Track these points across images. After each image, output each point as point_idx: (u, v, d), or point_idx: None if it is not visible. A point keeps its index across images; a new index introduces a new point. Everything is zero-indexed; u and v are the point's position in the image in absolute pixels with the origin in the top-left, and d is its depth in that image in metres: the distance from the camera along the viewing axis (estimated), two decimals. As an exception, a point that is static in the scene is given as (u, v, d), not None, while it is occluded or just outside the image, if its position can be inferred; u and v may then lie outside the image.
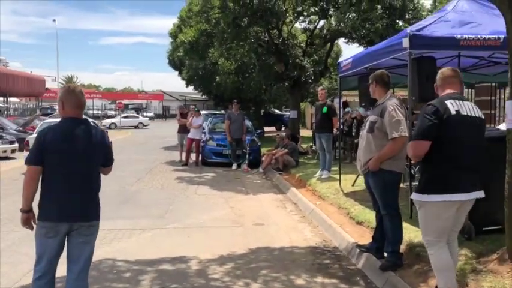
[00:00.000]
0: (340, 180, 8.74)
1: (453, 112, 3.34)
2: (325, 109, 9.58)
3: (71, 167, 3.08)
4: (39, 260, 3.15)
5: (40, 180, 3.11)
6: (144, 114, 59.94)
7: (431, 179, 3.39)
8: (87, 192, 3.18)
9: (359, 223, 6.39)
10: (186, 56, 18.03)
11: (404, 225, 4.89)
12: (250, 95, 21.47)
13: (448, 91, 3.49)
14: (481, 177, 3.42)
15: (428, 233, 3.46)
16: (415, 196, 3.48)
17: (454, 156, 3.34)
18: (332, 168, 9.76)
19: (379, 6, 12.18)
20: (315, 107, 10.15)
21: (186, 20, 17.73)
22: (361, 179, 8.56)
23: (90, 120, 3.39)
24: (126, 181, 10.32)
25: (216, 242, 5.90)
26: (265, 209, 8.10)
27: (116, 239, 5.95)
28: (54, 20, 45.82)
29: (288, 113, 32.41)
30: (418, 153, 3.45)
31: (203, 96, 30.42)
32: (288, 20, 14.32)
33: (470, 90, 12.78)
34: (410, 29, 5.85)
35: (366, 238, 5.63)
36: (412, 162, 5.63)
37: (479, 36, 5.75)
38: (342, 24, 12.45)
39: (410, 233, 5.10)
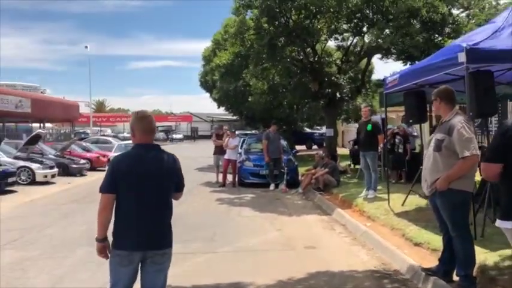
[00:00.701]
0: (388, 199, 8.50)
1: None
2: (369, 127, 9.41)
3: (144, 193, 3.04)
4: (114, 287, 3.11)
5: (114, 208, 3.07)
6: (174, 136, 60.77)
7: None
8: (161, 219, 3.13)
9: (417, 244, 6.15)
10: (222, 79, 18.19)
11: (473, 247, 4.65)
12: (281, 115, 21.45)
13: None
14: None
15: None
16: (499, 224, 3.21)
17: None
18: (378, 188, 9.53)
19: (416, 21, 12.01)
20: (359, 125, 9.98)
21: (221, 43, 17.93)
22: (410, 198, 8.36)
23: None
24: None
25: (270, 267, 5.75)
26: (313, 231, 7.92)
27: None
28: (86, 47, 46.88)
29: (318, 131, 32.47)
30: (489, 175, 3.26)
31: (234, 117, 30.56)
32: (322, 38, 14.28)
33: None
34: (466, 43, 5.67)
35: (428, 260, 5.40)
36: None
37: (541, 47, 5.52)
38: (379, 40, 12.29)
39: (480, 255, 4.82)
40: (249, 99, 18.33)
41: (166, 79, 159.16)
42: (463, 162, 4.15)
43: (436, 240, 5.81)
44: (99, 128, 54.59)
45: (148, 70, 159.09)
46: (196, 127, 64.66)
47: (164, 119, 67.84)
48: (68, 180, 16.23)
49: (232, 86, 18.71)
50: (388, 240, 6.53)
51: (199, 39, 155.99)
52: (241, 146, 15.34)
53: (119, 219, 3.07)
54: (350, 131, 26.53)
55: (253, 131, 29.11)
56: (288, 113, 20.81)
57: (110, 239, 3.13)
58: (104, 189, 3.05)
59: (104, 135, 39.26)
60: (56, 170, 16.47)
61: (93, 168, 20.20)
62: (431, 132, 9.66)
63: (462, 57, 5.53)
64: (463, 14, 16.57)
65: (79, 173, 18.28)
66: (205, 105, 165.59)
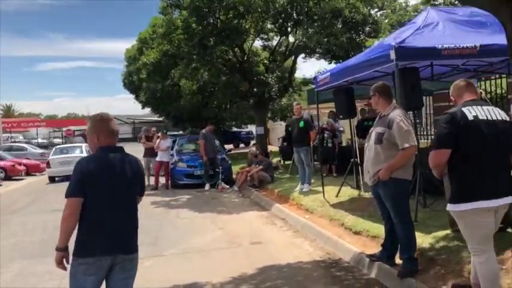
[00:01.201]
0: (323, 192, 8.86)
1: (470, 118, 3.40)
2: (302, 123, 9.73)
3: (114, 197, 2.96)
4: None
5: (79, 214, 2.92)
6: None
7: (461, 188, 3.43)
8: (130, 223, 3.07)
9: (357, 233, 6.47)
10: (149, 78, 17.79)
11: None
12: (210, 114, 21.43)
13: (466, 98, 3.61)
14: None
15: (473, 242, 3.48)
16: (450, 207, 3.49)
17: (478, 162, 3.39)
18: (311, 181, 9.89)
19: (339, 21, 12.59)
20: (291, 122, 10.28)
21: (148, 42, 17.53)
22: (343, 189, 8.79)
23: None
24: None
25: (221, 265, 5.79)
26: (255, 226, 8.05)
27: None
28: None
29: (245, 130, 32.84)
30: (438, 162, 3.50)
31: (159, 118, 29.96)
32: (250, 38, 14.50)
33: (429, 97, 13.46)
34: (394, 42, 6.09)
35: (369, 247, 5.73)
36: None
37: (457, 45, 6.06)
38: (304, 39, 12.72)
39: (418, 238, 5.21)
40: (180, 101, 18.11)
41: (80, 80, 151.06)
42: (403, 153, 4.46)
43: (374, 228, 6.20)
44: (9, 135, 50.84)
45: (59, 71, 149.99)
46: (117, 130, 62.35)
47: (81, 123, 64.44)
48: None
49: (159, 85, 18.37)
50: (329, 231, 6.82)
51: (115, 39, 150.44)
52: (172, 147, 15.14)
53: (86, 224, 2.93)
54: (276, 128, 27.12)
55: (180, 132, 28.76)
56: (216, 113, 20.83)
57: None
58: (71, 193, 2.90)
59: (15, 141, 36.69)
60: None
61: (8, 178, 18.92)
62: (357, 127, 10.20)
63: (393, 54, 5.93)
64: (379, 13, 17.64)
65: (-8, 183, 17.03)
66: (125, 106, 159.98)
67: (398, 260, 4.85)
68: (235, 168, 14.21)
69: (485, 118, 3.46)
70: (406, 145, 4.44)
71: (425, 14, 7.24)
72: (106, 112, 3.29)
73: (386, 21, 18.10)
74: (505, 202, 3.42)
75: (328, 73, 8.29)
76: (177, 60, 14.14)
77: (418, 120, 14.51)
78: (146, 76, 17.47)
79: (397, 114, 4.56)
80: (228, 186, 12.70)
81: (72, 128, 58.99)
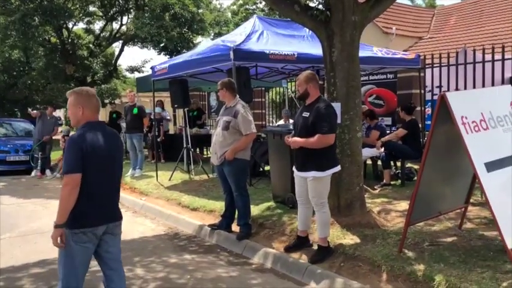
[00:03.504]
0: (157, 176, 9.45)
1: None
2: (135, 110, 10.07)
3: (109, 169, 3.12)
4: (72, 275, 3.04)
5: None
6: None
7: (328, 158, 4.53)
8: (117, 193, 3.29)
9: (194, 209, 7.27)
10: None
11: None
12: (18, 96, 19.57)
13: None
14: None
15: (324, 197, 4.59)
16: (317, 174, 4.49)
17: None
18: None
19: (169, 15, 13.17)
20: (125, 108, 10.51)
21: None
22: (176, 174, 9.52)
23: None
24: None
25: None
26: (92, 209, 8.18)
27: None
28: None
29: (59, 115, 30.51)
30: (329, 144, 4.46)
31: None
32: (74, 20, 13.96)
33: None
34: (233, 45, 7.08)
35: (207, 220, 6.61)
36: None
37: (281, 52, 7.36)
38: (134, 28, 12.93)
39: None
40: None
41: None
42: (245, 138, 5.45)
43: (210, 204, 7.12)
44: None
45: None
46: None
47: None
48: None
49: None
50: (168, 209, 7.49)
51: None
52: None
53: (84, 198, 2.97)
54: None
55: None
56: (26, 95, 19.14)
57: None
58: (72, 169, 2.93)
59: None
60: None
61: None
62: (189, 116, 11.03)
63: (231, 55, 6.91)
64: (200, 11, 18.76)
65: None
66: None
67: (234, 228, 5.85)
68: (54, 155, 13.58)
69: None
70: (248, 132, 5.44)
71: (253, 22, 8.45)
72: (90, 87, 3.40)
73: (205, 18, 19.38)
74: None
75: (167, 64, 8.89)
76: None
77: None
78: None
79: (241, 107, 5.52)
80: (50, 173, 12.16)
81: None
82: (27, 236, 6.37)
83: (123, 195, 8.92)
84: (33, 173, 12.23)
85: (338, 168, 4.72)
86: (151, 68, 9.66)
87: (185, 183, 9.07)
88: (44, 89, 19.17)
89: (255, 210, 6.34)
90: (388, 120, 10.49)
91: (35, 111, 12.96)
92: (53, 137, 12.72)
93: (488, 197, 3.60)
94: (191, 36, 13.83)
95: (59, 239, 2.96)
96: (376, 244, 4.70)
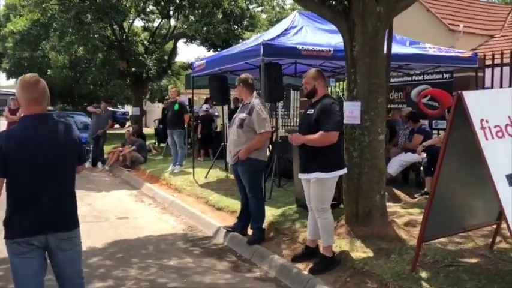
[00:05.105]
0: (193, 173, 9.38)
1: None
2: (176, 106, 10.08)
3: (39, 172, 2.66)
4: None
5: (6, 194, 2.67)
6: None
7: (335, 159, 4.19)
8: (61, 199, 2.78)
9: (219, 209, 7.10)
10: (16, 47, 16.49)
11: (264, 206, 5.76)
12: (84, 91, 20.56)
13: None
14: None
15: (326, 202, 4.22)
16: (321, 175, 4.14)
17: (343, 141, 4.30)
18: (184, 163, 10.34)
19: (219, 11, 13.13)
20: (167, 105, 10.57)
21: (17, 8, 16.20)
22: (213, 171, 9.40)
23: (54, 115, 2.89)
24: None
25: (84, 237, 5.88)
26: (124, 204, 8.27)
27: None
28: None
29: (121, 110, 31.87)
30: (331, 142, 4.10)
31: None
32: (130, 17, 14.35)
33: (295, 92, 14.79)
34: (263, 39, 6.79)
35: (228, 221, 6.38)
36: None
37: (315, 47, 6.96)
38: (185, 26, 13.04)
39: (266, 212, 5.96)
40: (48, 72, 17.08)
41: None
42: (259, 137, 5.16)
43: (234, 204, 6.87)
44: None
45: None
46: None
47: None
48: None
49: (26, 53, 17.05)
50: (194, 207, 7.37)
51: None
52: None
53: (13, 205, 2.66)
54: (154, 110, 26.94)
55: (50, 108, 27.00)
56: (91, 90, 20.07)
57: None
58: None
59: None
60: None
61: None
62: (231, 113, 10.90)
63: (261, 50, 6.62)
64: (259, 9, 18.61)
65: None
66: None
67: (250, 231, 5.57)
68: (107, 148, 14.04)
69: None
70: (262, 130, 5.14)
71: (292, 18, 8.10)
72: (33, 74, 2.83)
73: (265, 16, 19.17)
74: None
75: (205, 60, 8.79)
76: (49, 31, 13.41)
77: (286, 112, 15.88)
78: (13, 45, 16.22)
79: (256, 104, 5.24)
80: (101, 166, 12.56)
81: None
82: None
83: (158, 190, 8.99)
84: (86, 165, 12.67)
85: (344, 170, 4.33)
86: (191, 64, 9.60)
87: (220, 181, 8.92)
88: (108, 85, 19.99)
89: (274, 213, 6.03)
90: (442, 124, 9.68)
91: (90, 107, 13.45)
92: (107, 131, 13.11)
93: (508, 215, 3.04)
94: (241, 33, 13.71)
95: None
96: (390, 260, 4.22)
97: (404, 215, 5.66)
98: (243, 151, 5.17)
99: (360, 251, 4.47)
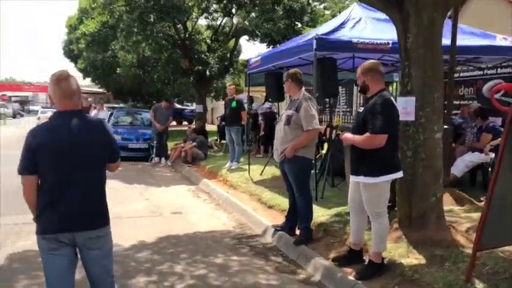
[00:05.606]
0: (249, 170, 9.34)
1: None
2: (234, 104, 10.10)
3: (68, 169, 2.65)
4: (48, 284, 2.77)
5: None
6: (31, 107, 55.82)
7: (383, 163, 3.86)
8: (91, 196, 2.76)
9: (270, 207, 6.99)
10: (88, 49, 17.45)
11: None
12: (152, 89, 21.29)
13: (383, 86, 4.02)
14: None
15: (381, 206, 3.95)
16: (366, 179, 3.89)
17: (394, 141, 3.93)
18: (241, 160, 10.34)
19: (280, 8, 13.00)
20: (225, 102, 10.62)
21: (88, 11, 17.12)
22: (269, 168, 9.31)
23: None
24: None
25: (137, 231, 6.08)
26: (180, 199, 8.40)
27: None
28: None
29: (189, 107, 32.73)
30: (377, 145, 3.77)
31: (100, 89, 29.25)
32: (193, 16, 14.61)
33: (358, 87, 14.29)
34: (316, 33, 6.57)
35: (278, 219, 6.25)
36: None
37: (372, 40, 6.62)
38: (246, 23, 13.05)
39: (318, 212, 5.78)
40: (118, 71, 17.88)
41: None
42: (307, 134, 4.97)
43: (285, 202, 6.65)
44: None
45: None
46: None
47: (19, 89, 61.67)
48: None
49: (99, 55, 18.03)
50: (247, 204, 7.31)
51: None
52: (109, 119, 15.08)
53: (41, 200, 2.69)
54: (218, 107, 27.35)
55: (121, 105, 28.36)
56: (158, 88, 20.74)
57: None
58: (21, 170, 2.65)
59: None
60: None
61: None
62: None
63: (314, 44, 6.41)
64: (321, 6, 18.23)
65: None
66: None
67: (298, 231, 5.40)
68: (170, 145, 14.42)
69: None
70: (310, 128, 4.95)
71: (351, 9, 7.78)
72: (63, 70, 2.82)
73: (329, 12, 18.73)
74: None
75: (260, 57, 8.69)
76: (117, 32, 14.00)
77: (349, 109, 15.41)
78: (86, 46, 17.16)
79: (305, 100, 5.05)
80: (164, 161, 12.90)
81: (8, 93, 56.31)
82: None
83: (215, 186, 9.05)
84: (155, 159, 13.08)
85: (399, 174, 4.00)
86: (248, 60, 9.55)
87: (274, 178, 8.79)
88: (174, 83, 20.53)
89: (324, 214, 5.83)
90: (518, 121, 8.90)
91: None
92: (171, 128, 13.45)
93: None
94: (301, 29, 13.47)
95: None
96: (443, 268, 3.88)
97: (467, 219, 5.23)
98: (289, 149, 5.01)
99: (412, 257, 4.17)
